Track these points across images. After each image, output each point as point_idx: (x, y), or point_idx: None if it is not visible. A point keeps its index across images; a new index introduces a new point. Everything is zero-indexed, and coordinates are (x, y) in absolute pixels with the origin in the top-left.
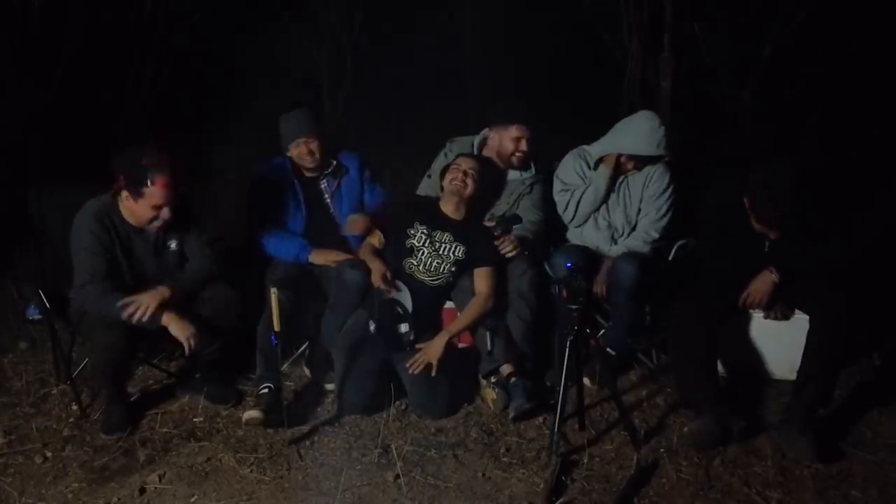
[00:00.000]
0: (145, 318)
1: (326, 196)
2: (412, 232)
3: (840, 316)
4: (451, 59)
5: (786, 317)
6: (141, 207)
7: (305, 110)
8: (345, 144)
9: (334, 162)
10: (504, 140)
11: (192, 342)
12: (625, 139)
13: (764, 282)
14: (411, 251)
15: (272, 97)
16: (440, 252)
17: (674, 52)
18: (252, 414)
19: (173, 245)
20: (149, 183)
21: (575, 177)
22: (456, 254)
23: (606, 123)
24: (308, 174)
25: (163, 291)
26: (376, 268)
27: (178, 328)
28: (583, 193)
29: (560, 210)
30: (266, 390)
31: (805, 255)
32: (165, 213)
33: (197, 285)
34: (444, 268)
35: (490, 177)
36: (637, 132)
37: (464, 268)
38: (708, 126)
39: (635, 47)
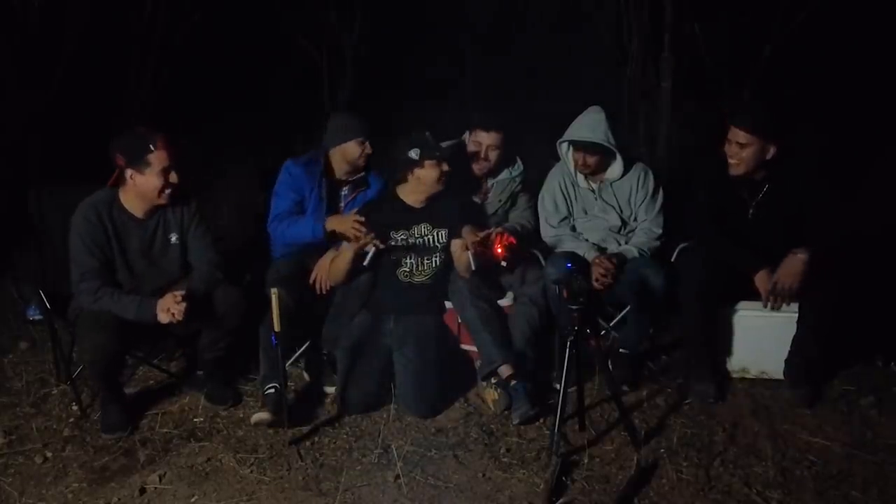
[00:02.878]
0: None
1: (342, 203)
2: (392, 244)
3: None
4: (450, 59)
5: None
6: (149, 179)
7: (361, 115)
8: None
9: (362, 174)
10: (470, 143)
11: (176, 313)
12: (571, 128)
13: (793, 264)
14: (398, 262)
15: (272, 97)
16: (427, 246)
17: (674, 52)
18: (261, 416)
19: (174, 238)
20: (151, 147)
21: (561, 198)
22: (440, 239)
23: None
24: (338, 177)
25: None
26: (345, 220)
27: (159, 308)
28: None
29: (543, 234)
30: (272, 390)
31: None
32: (174, 176)
33: (201, 292)
34: (436, 260)
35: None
36: (579, 121)
37: (448, 251)
38: (708, 126)
39: (635, 47)
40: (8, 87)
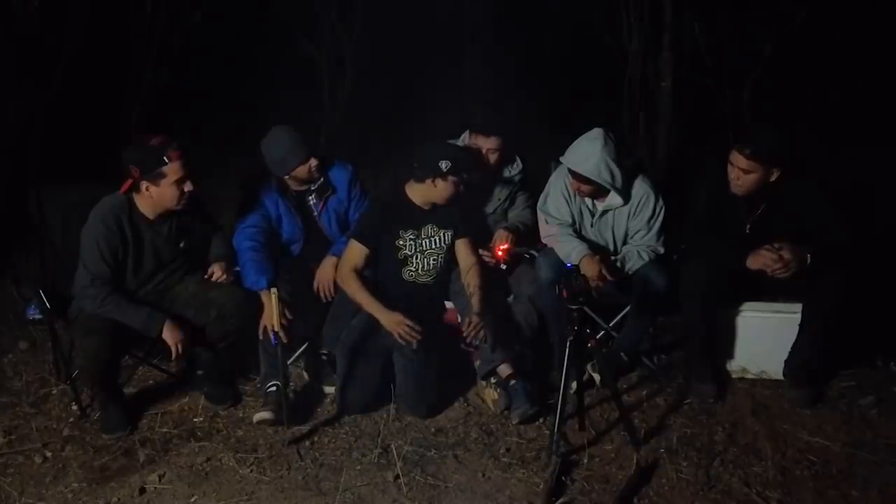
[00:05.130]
0: (180, 351)
1: (315, 213)
2: (401, 243)
3: (839, 281)
4: (451, 58)
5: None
6: (165, 190)
7: (292, 130)
8: (337, 153)
9: (321, 179)
10: (470, 144)
11: (179, 347)
12: (568, 151)
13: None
14: (405, 261)
15: (273, 97)
16: (432, 247)
17: (674, 52)
18: (263, 415)
19: (183, 244)
20: (166, 160)
21: (563, 203)
22: (445, 240)
23: (605, 124)
24: (295, 189)
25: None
26: (392, 320)
27: (168, 333)
28: (564, 238)
29: (541, 233)
30: (274, 388)
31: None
32: (189, 185)
33: (229, 255)
34: (440, 260)
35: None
36: (576, 147)
37: (452, 251)
38: (708, 126)
39: (635, 47)
40: (8, 87)
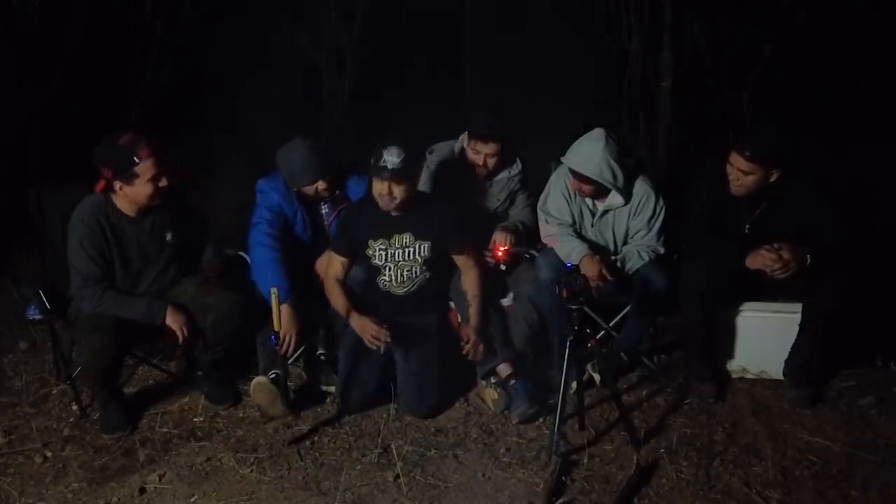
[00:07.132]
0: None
1: (326, 222)
2: (370, 252)
3: (839, 281)
4: (450, 58)
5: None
6: (139, 188)
7: (312, 147)
8: (337, 153)
9: (337, 192)
10: (469, 150)
11: (185, 330)
12: (569, 151)
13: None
14: (378, 270)
15: (272, 98)
16: (406, 258)
17: (674, 52)
18: (260, 379)
19: (169, 237)
20: (136, 160)
21: (563, 203)
22: (422, 253)
23: (605, 124)
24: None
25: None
26: (358, 324)
27: (171, 317)
28: (564, 237)
29: (541, 233)
30: (273, 375)
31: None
32: (164, 181)
33: (219, 263)
34: (416, 271)
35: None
36: (577, 147)
37: (435, 263)
38: (708, 126)
39: (635, 47)
40: (8, 87)
